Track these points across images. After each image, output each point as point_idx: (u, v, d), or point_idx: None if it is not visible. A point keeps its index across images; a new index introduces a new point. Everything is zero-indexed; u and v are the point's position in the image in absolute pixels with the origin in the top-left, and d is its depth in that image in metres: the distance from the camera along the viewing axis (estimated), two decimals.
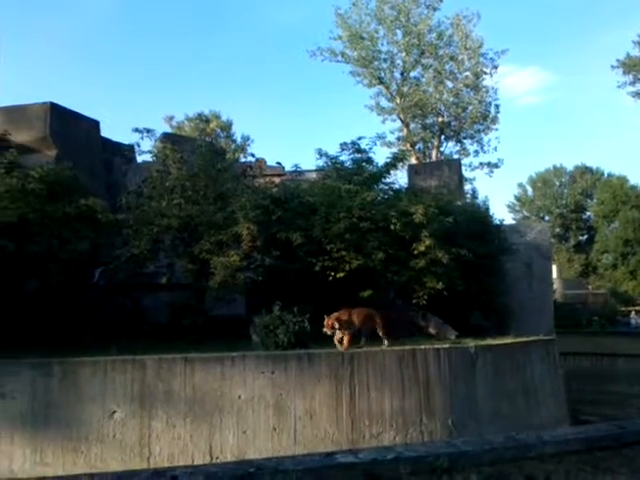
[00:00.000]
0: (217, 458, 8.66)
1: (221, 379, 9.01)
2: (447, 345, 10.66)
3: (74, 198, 11.67)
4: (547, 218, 54.72)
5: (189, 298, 12.33)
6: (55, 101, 16.02)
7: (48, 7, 60.03)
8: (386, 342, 10.44)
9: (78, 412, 8.53)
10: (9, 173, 11.14)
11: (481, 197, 35.80)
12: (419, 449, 4.89)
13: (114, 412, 8.59)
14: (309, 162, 29.02)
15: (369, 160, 14.06)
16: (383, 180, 14.12)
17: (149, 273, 12.82)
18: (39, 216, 10.82)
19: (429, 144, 32.95)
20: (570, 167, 59.22)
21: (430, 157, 31.76)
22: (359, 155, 14.03)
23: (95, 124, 17.64)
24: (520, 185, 61.11)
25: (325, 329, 10.27)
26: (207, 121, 33.11)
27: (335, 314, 10.44)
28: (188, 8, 63.33)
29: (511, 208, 60.75)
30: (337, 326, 10.26)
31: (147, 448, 8.55)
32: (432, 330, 12.73)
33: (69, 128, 16.12)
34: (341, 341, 10.25)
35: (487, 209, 16.08)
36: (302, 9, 60.88)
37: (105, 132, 18.14)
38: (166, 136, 16.88)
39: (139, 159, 16.83)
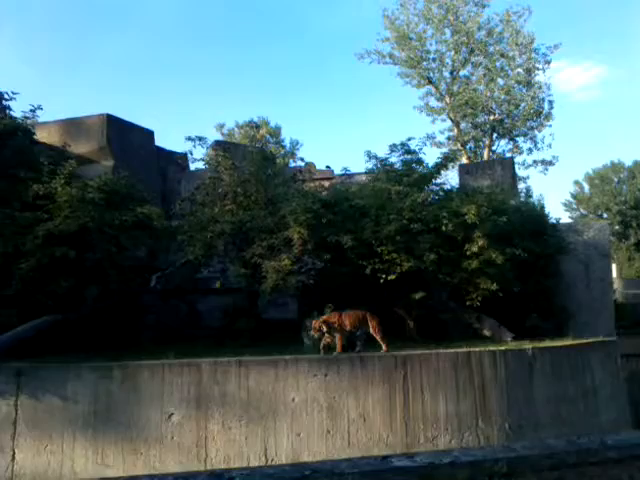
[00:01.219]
0: (272, 460, 8.75)
1: (275, 382, 9.10)
2: (503, 347, 10.44)
3: (131, 206, 12.05)
4: (605, 216, 52.73)
5: (242, 302, 12.52)
6: (111, 113, 16.60)
7: (103, 23, 62.22)
8: (383, 346, 10.04)
9: (137, 414, 8.78)
10: (69, 183, 11.58)
11: (536, 195, 34.95)
12: (476, 453, 4.80)
13: (172, 414, 8.80)
14: (358, 165, 29.02)
15: (419, 161, 13.92)
16: (433, 181, 13.94)
17: (203, 278, 13.11)
18: (98, 224, 11.22)
19: (480, 143, 32.29)
20: (629, 162, 56.92)
21: (482, 156, 31.12)
22: (409, 156, 13.90)
23: (150, 134, 18.17)
24: (576, 182, 59.07)
25: (312, 332, 10.05)
26: (257, 127, 33.52)
27: (324, 317, 10.21)
28: (235, 17, 64.43)
29: (567, 206, 58.81)
30: (325, 329, 9.99)
31: (204, 450, 8.72)
32: (487, 332, 12.50)
33: (125, 138, 16.66)
34: (327, 347, 9.96)
35: (542, 208, 15.69)
36: (349, 13, 60.98)
37: (159, 141, 18.68)
38: (218, 143, 17.21)
39: (192, 167, 17.23)
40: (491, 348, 10.32)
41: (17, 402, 8.70)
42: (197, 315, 13.22)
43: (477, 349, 10.12)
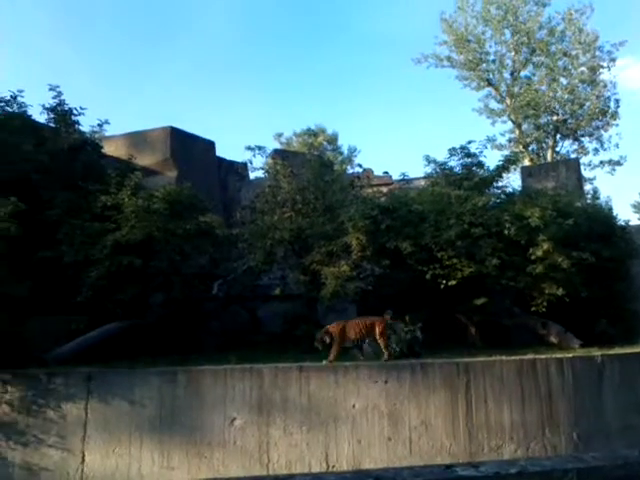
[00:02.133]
0: (333, 467, 8.73)
1: (335, 388, 9.09)
2: (570, 355, 10.08)
3: (194, 215, 12.37)
4: None
5: (302, 308, 12.61)
6: (174, 125, 17.14)
7: (164, 38, 64.31)
8: (385, 354, 9.75)
9: (201, 418, 8.94)
10: (135, 194, 11.99)
11: (603, 197, 33.49)
12: (544, 463, 4.66)
13: (234, 419, 8.92)
14: (417, 170, 28.70)
15: (479, 164, 13.67)
16: (495, 184, 13.65)
17: (263, 285, 13.29)
18: (163, 234, 11.57)
19: (543, 144, 31.36)
20: None
21: (545, 158, 30.22)
22: (469, 159, 13.68)
23: (211, 145, 18.64)
24: None
25: (315, 343, 9.87)
26: (315, 135, 33.76)
27: (328, 327, 10.04)
28: (291, 26, 65.22)
29: (637, 208, 56.15)
30: (327, 340, 9.80)
31: (266, 455, 8.79)
32: (553, 339, 12.10)
33: (187, 150, 17.16)
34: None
35: (610, 209, 15.00)
36: (405, 17, 60.69)
37: (219, 152, 19.12)
38: (276, 152, 17.48)
39: (251, 176, 17.55)
40: (558, 355, 10.01)
41: (87, 406, 9.02)
42: (258, 321, 13.41)
43: (543, 356, 9.84)
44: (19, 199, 10.33)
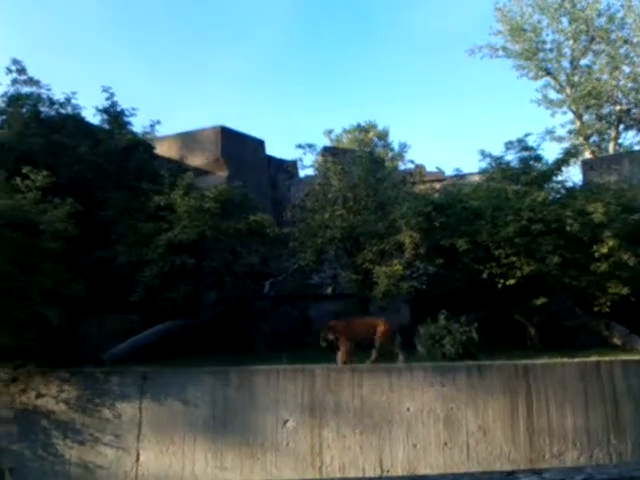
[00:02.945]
0: (387, 471, 8.52)
1: (389, 391, 8.88)
2: (636, 357, 9.56)
3: (245, 215, 12.35)
4: None
5: (353, 308, 12.42)
6: (224, 124, 17.22)
7: (212, 35, 65.08)
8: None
9: (253, 419, 8.88)
10: (187, 194, 12.06)
11: None
12: (611, 471, 4.35)
13: (287, 421, 8.82)
14: (470, 165, 28.03)
15: (538, 158, 13.17)
16: (554, 178, 13.13)
17: (314, 284, 13.16)
18: (214, 233, 11.59)
19: (605, 136, 30.08)
20: None
21: (607, 150, 28.99)
22: (526, 153, 13.21)
23: (260, 143, 18.67)
24: None
25: (321, 342, 9.82)
26: (366, 131, 33.40)
27: (332, 322, 10.00)
28: (339, 21, 64.94)
29: None
30: (331, 337, 9.72)
31: (319, 458, 8.65)
32: (617, 341, 11.59)
33: (238, 149, 17.23)
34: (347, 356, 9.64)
35: None
36: (455, 10, 59.50)
37: (269, 150, 19.14)
38: (326, 149, 17.33)
39: (302, 174, 17.44)
40: (623, 358, 9.55)
41: (141, 405, 9.09)
42: (308, 321, 13.30)
43: (607, 359, 9.39)
44: (75, 200, 10.54)
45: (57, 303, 9.52)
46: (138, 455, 8.91)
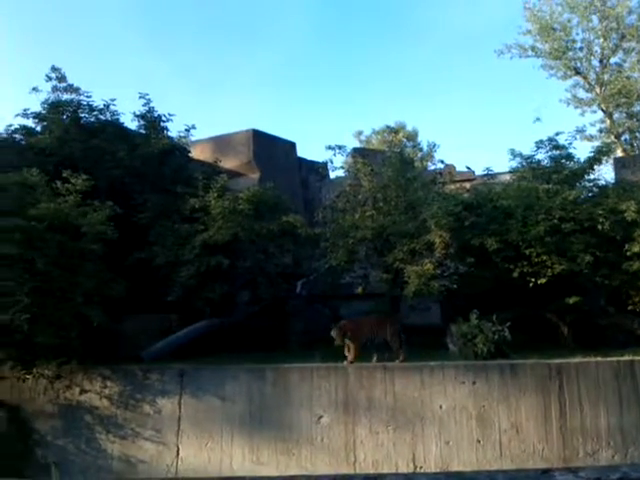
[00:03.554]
0: (421, 467, 8.64)
1: (421, 388, 8.99)
2: None
3: (277, 216, 12.60)
4: None
5: (384, 307, 12.54)
6: (256, 127, 17.52)
7: (243, 39, 65.74)
8: (400, 357, 9.55)
9: (289, 415, 9.10)
10: (221, 197, 12.35)
11: None
12: None
13: (321, 417, 9.01)
14: (500, 164, 27.86)
15: (569, 156, 13.10)
16: (586, 177, 13.03)
17: (346, 283, 13.30)
18: (248, 234, 11.86)
19: (637, 134, 29.64)
20: None
21: (639, 148, 28.58)
22: (557, 152, 13.14)
23: (291, 145, 18.91)
24: None
25: (336, 342, 9.87)
26: (395, 132, 33.47)
27: (342, 322, 10.04)
28: (368, 22, 64.94)
29: None
30: (341, 337, 9.79)
31: (352, 453, 8.82)
32: None
33: (269, 151, 17.49)
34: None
35: None
36: (486, 10, 59.00)
37: (300, 152, 19.35)
38: (356, 151, 17.43)
39: (332, 175, 17.60)
40: None
41: (180, 401, 9.40)
42: (340, 320, 13.45)
43: None
44: (114, 203, 10.91)
45: (98, 303, 9.91)
46: (178, 450, 9.21)
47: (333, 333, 10.02)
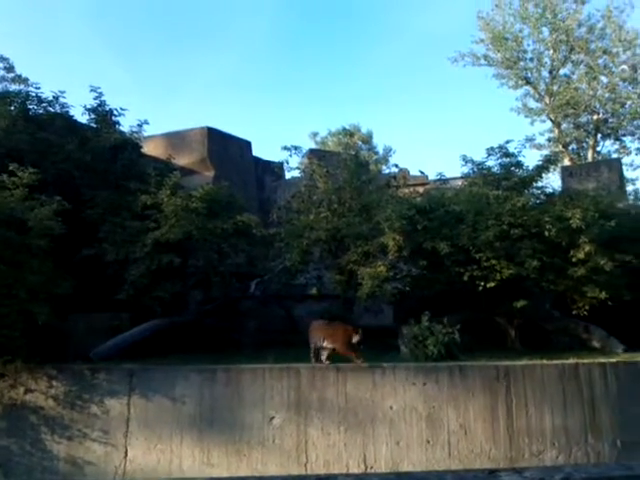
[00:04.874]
0: (371, 468, 8.71)
1: (372, 389, 9.07)
2: (614, 360, 9.86)
3: (231, 215, 12.47)
4: None
5: (338, 308, 12.61)
6: (211, 125, 17.33)
7: (198, 38, 65.02)
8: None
9: (240, 417, 9.01)
10: (174, 194, 12.14)
11: None
12: (591, 470, 4.54)
13: (273, 418, 8.97)
14: (453, 170, 28.42)
15: (518, 164, 13.44)
16: (534, 184, 13.41)
17: (300, 284, 13.32)
18: (201, 233, 11.69)
19: (584, 144, 30.78)
20: None
21: (585, 158, 29.63)
22: (507, 159, 13.46)
23: (247, 144, 18.80)
24: None
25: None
26: (351, 135, 33.73)
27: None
28: (323, 26, 65.33)
29: None
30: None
31: (304, 454, 8.82)
32: (596, 343, 11.86)
33: (224, 150, 17.34)
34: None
35: None
36: (441, 16, 60.21)
37: (256, 151, 19.27)
38: (312, 152, 17.51)
39: (287, 175, 17.61)
40: (601, 360, 9.80)
41: (129, 402, 9.19)
42: (294, 321, 13.47)
43: (585, 361, 9.64)
44: (62, 198, 10.59)
45: (44, 300, 9.58)
46: (126, 451, 9.00)
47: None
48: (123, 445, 9.03)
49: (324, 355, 9.67)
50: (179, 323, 11.73)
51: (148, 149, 15.26)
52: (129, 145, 13.79)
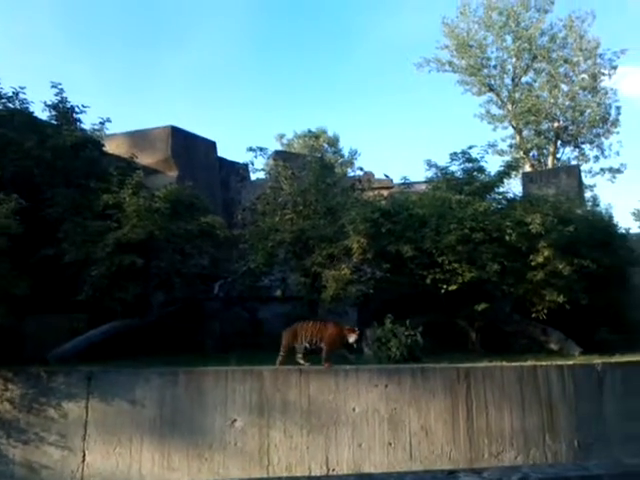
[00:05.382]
0: (333, 470, 8.72)
1: (335, 391, 9.08)
2: (571, 362, 10.09)
3: (195, 216, 12.35)
4: None
5: (302, 310, 12.60)
6: (175, 124, 17.12)
7: (165, 37, 64.24)
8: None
9: (202, 420, 8.93)
10: (137, 194, 11.95)
11: (603, 205, 33.60)
12: (547, 470, 4.64)
13: (235, 421, 8.91)
14: (418, 174, 28.78)
15: (481, 169, 13.69)
16: (496, 189, 13.67)
17: (264, 286, 13.27)
18: (164, 233, 11.53)
19: (544, 151, 31.49)
20: None
21: (546, 164, 30.33)
22: (470, 165, 13.70)
23: (212, 145, 18.62)
24: None
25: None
26: (317, 137, 33.79)
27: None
28: (292, 28, 65.30)
29: (637, 216, 56.08)
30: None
31: (266, 457, 8.78)
32: (553, 346, 12.13)
33: (189, 149, 17.13)
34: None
35: (610, 217, 15.04)
36: (408, 21, 60.87)
37: (221, 152, 19.10)
38: (278, 153, 17.47)
39: (253, 177, 17.51)
40: (558, 362, 10.00)
41: (88, 405, 9.01)
42: (258, 323, 13.40)
43: (543, 363, 9.83)
44: (21, 196, 10.32)
45: (0, 301, 9.32)
46: (84, 455, 8.84)
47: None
48: (81, 449, 8.86)
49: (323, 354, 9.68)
50: (140, 325, 11.55)
51: (110, 148, 14.96)
52: (91, 143, 13.49)
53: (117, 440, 8.86)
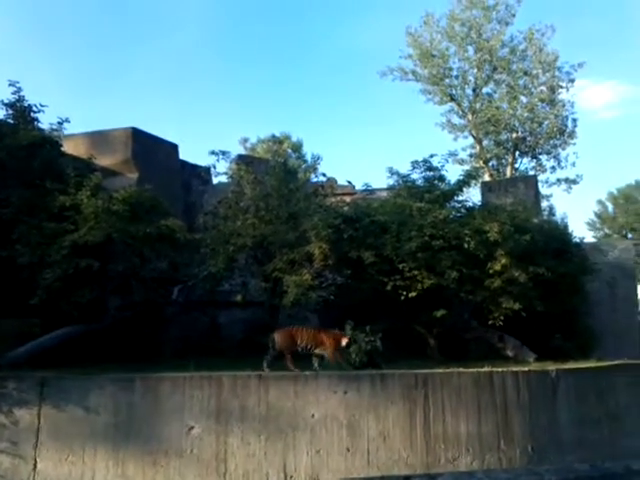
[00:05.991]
0: (291, 477, 8.69)
1: (294, 397, 9.05)
2: (526, 368, 10.30)
3: (155, 219, 12.13)
4: (630, 236, 51.76)
5: (263, 316, 12.54)
6: (136, 126, 16.84)
7: (128, 41, 63.46)
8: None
9: (158, 427, 8.77)
10: (95, 195, 11.69)
11: (559, 214, 34.68)
12: (500, 476, 4.75)
13: (192, 428, 8.79)
14: (380, 181, 29.05)
15: (441, 178, 13.89)
16: (455, 198, 13.88)
17: (225, 291, 13.15)
18: (122, 236, 11.30)
19: (503, 161, 32.20)
20: None
21: (504, 174, 31.00)
22: (431, 173, 13.88)
23: (174, 147, 18.37)
24: (599, 202, 58.03)
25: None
26: (280, 142, 33.76)
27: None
28: (257, 34, 65.31)
29: (591, 226, 57.73)
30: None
31: (223, 464, 8.68)
32: (509, 352, 12.37)
33: (150, 152, 16.86)
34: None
35: (566, 227, 15.52)
36: (372, 30, 61.53)
37: (183, 155, 18.86)
38: (240, 158, 17.35)
39: (215, 180, 17.35)
40: (514, 369, 10.20)
41: (40, 412, 8.75)
42: (218, 328, 13.28)
43: (499, 369, 10.01)
44: None
45: None
46: (35, 463, 8.58)
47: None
48: (32, 457, 8.60)
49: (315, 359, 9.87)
50: (96, 330, 11.29)
51: (69, 148, 14.59)
52: (48, 143, 13.14)
53: (70, 448, 8.62)
